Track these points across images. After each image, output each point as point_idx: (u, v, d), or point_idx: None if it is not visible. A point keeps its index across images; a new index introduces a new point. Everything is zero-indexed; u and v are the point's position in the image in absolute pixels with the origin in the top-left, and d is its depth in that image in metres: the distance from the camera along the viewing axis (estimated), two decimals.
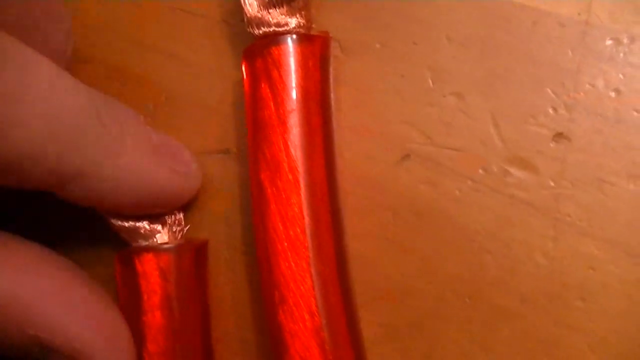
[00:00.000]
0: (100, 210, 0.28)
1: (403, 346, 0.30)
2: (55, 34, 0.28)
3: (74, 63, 0.31)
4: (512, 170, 0.30)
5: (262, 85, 0.28)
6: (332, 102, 0.29)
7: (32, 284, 0.25)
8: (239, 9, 0.29)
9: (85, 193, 0.26)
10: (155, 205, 0.29)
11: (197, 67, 0.32)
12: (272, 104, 0.28)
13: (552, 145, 0.30)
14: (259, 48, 0.28)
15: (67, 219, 0.31)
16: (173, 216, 0.30)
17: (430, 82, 0.31)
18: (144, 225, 0.29)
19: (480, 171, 0.30)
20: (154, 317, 0.29)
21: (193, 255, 0.30)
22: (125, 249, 0.29)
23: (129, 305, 0.29)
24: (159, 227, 0.30)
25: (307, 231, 0.28)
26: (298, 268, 0.27)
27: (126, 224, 0.29)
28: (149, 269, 0.29)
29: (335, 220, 0.28)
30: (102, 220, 0.29)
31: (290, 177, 0.28)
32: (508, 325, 0.29)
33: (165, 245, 0.29)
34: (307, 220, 0.28)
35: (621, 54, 0.29)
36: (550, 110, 0.30)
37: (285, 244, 0.28)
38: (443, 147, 0.30)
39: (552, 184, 0.30)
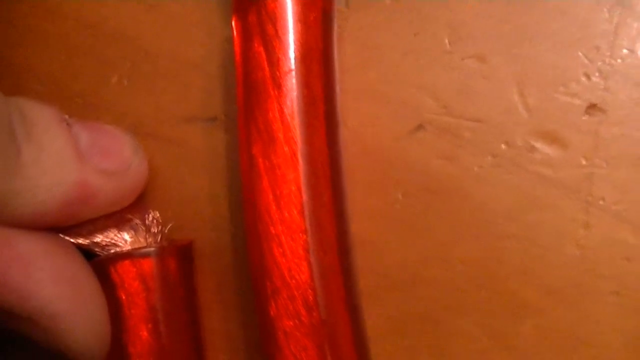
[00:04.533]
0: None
1: (412, 342, 0.28)
2: None
3: (41, 18, 0.30)
4: (539, 145, 0.27)
5: (255, 43, 0.26)
6: (336, 63, 0.27)
7: None
8: None
9: (5, 222, 0.24)
10: (92, 213, 0.26)
11: (181, 21, 0.30)
12: (266, 64, 0.25)
13: (584, 117, 0.27)
14: (253, 1, 0.26)
15: None
16: (148, 216, 0.28)
17: (447, 42, 0.28)
18: (114, 233, 0.27)
19: (503, 145, 0.28)
20: (138, 334, 0.26)
21: (177, 258, 0.27)
22: (97, 257, 0.27)
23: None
24: (131, 232, 0.27)
25: (305, 212, 0.25)
26: (294, 255, 0.25)
27: (93, 240, 0.27)
28: (128, 278, 0.26)
29: (338, 200, 0.26)
30: None
31: (286, 149, 0.25)
32: (531, 320, 0.27)
33: (144, 250, 0.27)
34: (305, 199, 0.25)
35: None
36: (583, 78, 0.27)
37: (280, 227, 0.25)
38: (461, 117, 0.28)
39: (584, 161, 0.27)
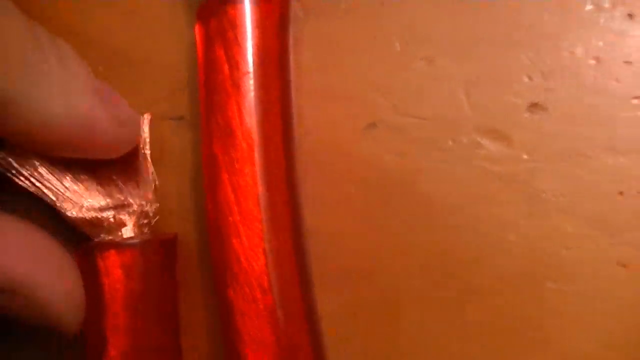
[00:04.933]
0: (28, 148, 0.27)
1: (366, 327, 0.29)
2: None
3: None
4: (484, 141, 0.29)
5: (216, 47, 0.27)
6: (292, 66, 0.28)
7: None
8: None
9: (13, 123, 0.24)
10: (88, 150, 0.27)
11: (152, 26, 0.31)
12: (226, 67, 0.27)
13: (526, 115, 0.29)
14: (213, 6, 0.27)
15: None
16: (141, 207, 0.29)
17: (398, 45, 0.29)
18: (109, 217, 0.28)
19: (450, 142, 0.29)
20: (117, 320, 0.27)
21: (159, 251, 0.28)
22: (86, 243, 0.28)
23: (90, 305, 0.28)
24: (125, 218, 0.28)
25: (261, 203, 0.26)
26: (250, 243, 0.26)
27: (87, 216, 0.28)
28: (112, 266, 0.27)
29: (292, 192, 0.27)
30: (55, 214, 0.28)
31: (244, 145, 0.26)
32: (478, 305, 0.29)
33: (130, 241, 0.28)
34: (261, 191, 0.26)
35: (602, 20, 0.28)
36: (526, 78, 0.29)
37: (238, 216, 0.26)
38: (411, 115, 0.29)
39: (526, 157, 0.29)
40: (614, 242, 0.28)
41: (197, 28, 0.28)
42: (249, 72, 0.26)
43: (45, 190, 0.27)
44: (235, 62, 0.26)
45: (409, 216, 0.29)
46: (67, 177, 0.28)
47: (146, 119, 0.29)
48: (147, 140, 0.29)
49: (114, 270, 0.27)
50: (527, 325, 0.28)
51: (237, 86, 0.26)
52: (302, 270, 0.27)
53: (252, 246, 0.26)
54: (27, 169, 0.27)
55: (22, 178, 0.27)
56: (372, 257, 0.29)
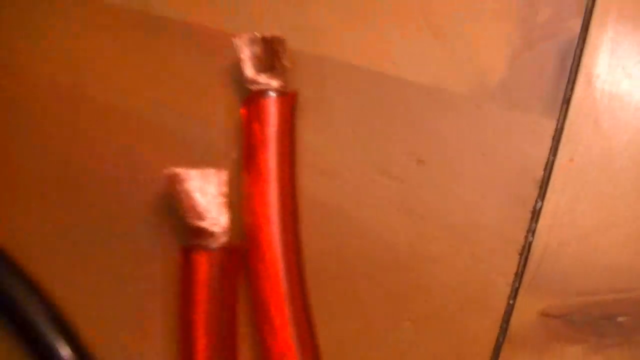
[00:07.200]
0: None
1: None
2: None
3: None
4: None
5: (254, 123, 0.39)
6: (296, 132, 0.41)
7: None
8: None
9: None
10: None
11: (212, 108, 0.44)
12: (259, 134, 0.39)
13: None
14: (253, 99, 0.39)
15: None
16: (224, 228, 0.37)
17: None
18: (208, 227, 0.37)
19: None
20: (201, 307, 0.37)
21: (235, 257, 0.38)
22: (186, 246, 0.37)
23: (184, 296, 0.37)
24: (217, 228, 0.37)
25: (274, 213, 0.40)
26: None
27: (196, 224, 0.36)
28: (202, 266, 0.36)
29: (294, 203, 0.41)
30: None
31: (266, 177, 0.39)
32: None
33: (217, 245, 0.37)
34: (275, 205, 0.40)
35: None
36: None
37: (261, 219, 0.39)
38: None
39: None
40: None
41: (242, 111, 0.40)
42: (272, 137, 0.40)
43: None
44: (265, 131, 0.39)
45: None
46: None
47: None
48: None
49: (202, 268, 0.37)
50: None
51: (265, 145, 0.39)
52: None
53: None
54: None
55: None
56: None
